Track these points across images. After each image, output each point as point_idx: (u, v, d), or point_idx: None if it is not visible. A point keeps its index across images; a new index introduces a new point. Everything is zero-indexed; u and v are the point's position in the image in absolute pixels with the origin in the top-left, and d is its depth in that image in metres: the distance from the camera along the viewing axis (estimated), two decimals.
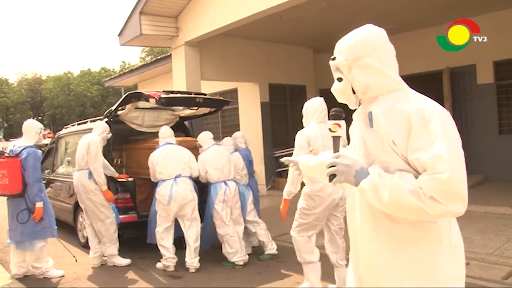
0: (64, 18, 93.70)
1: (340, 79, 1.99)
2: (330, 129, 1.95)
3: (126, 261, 5.91)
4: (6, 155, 5.32)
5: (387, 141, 1.79)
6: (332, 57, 2.00)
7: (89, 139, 5.81)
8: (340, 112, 1.99)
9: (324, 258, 4.47)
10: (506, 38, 9.07)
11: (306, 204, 4.27)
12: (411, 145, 1.72)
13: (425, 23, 10.33)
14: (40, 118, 38.83)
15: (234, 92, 12.56)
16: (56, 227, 5.61)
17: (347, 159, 1.83)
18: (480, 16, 9.11)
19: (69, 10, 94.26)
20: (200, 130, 6.95)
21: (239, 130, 12.23)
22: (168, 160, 5.66)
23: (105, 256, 5.95)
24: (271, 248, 5.93)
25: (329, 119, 1.99)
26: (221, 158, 5.84)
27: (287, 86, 12.55)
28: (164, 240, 5.64)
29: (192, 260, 5.53)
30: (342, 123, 1.97)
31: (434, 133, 1.68)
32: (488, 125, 9.89)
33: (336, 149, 1.92)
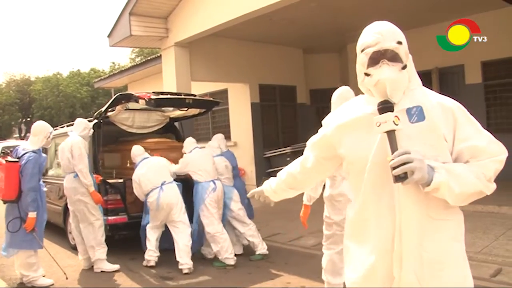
0: (53, 19, 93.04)
1: (405, 67, 1.81)
2: (380, 123, 1.71)
3: (115, 267, 5.72)
4: (8, 158, 5.02)
5: (439, 134, 1.75)
6: (398, 40, 1.83)
7: (71, 141, 5.64)
8: (391, 103, 1.77)
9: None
10: (493, 38, 9.14)
11: (327, 211, 3.94)
12: (459, 135, 1.78)
13: (413, 23, 10.39)
14: (29, 119, 38.42)
15: (224, 92, 12.55)
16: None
17: (417, 154, 1.67)
18: (468, 17, 9.17)
19: (58, 10, 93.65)
20: (190, 131, 6.96)
21: (229, 130, 12.26)
22: (150, 172, 5.80)
23: (92, 262, 5.75)
24: (262, 248, 5.93)
25: (380, 113, 1.74)
26: (205, 160, 5.96)
27: (277, 86, 12.57)
28: (151, 233, 5.80)
29: (185, 260, 5.50)
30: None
31: (475, 122, 1.81)
32: None
33: (395, 145, 1.70)
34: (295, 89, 12.95)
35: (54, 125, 5.65)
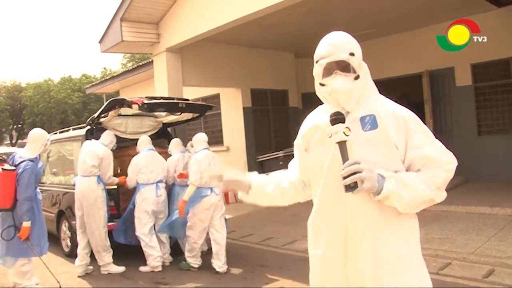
0: (43, 24, 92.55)
1: (357, 77, 1.85)
2: (331, 134, 1.75)
3: (121, 269, 5.90)
4: (5, 166, 4.93)
5: (390, 142, 1.80)
6: (350, 51, 1.85)
7: (103, 151, 5.90)
8: (343, 114, 1.82)
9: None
10: (483, 41, 9.25)
11: None
12: (411, 144, 1.82)
13: (403, 27, 10.48)
14: (20, 126, 38.19)
15: (216, 97, 12.56)
16: (46, 243, 5.19)
17: (367, 164, 1.72)
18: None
19: (49, 16, 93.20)
20: (183, 136, 6.97)
21: (222, 135, 12.28)
22: (152, 165, 6.03)
23: (100, 265, 5.86)
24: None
25: (331, 124, 1.78)
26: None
27: (269, 90, 12.59)
28: (152, 241, 5.92)
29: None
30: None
31: (428, 131, 1.85)
32: (467, 127, 10.04)
33: (346, 155, 1.74)
34: (287, 93, 12.98)
35: (45, 131, 5.61)
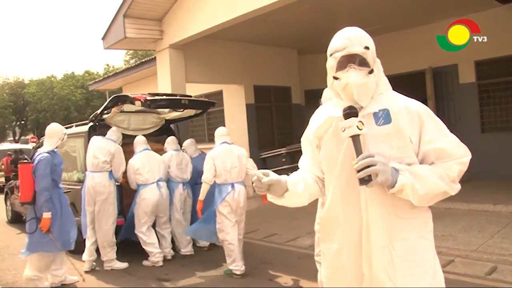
0: (46, 21, 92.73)
1: (371, 71, 1.86)
2: (345, 128, 1.77)
3: (124, 265, 5.93)
4: (24, 161, 5.03)
5: (404, 136, 1.80)
6: (365, 45, 1.85)
7: (114, 148, 5.97)
8: (355, 108, 1.82)
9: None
10: (487, 38, 9.21)
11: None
12: (425, 137, 1.83)
13: (407, 24, 10.46)
14: (23, 122, 38.27)
15: (219, 94, 12.55)
16: (72, 239, 5.17)
17: (382, 157, 1.74)
18: (461, 17, 9.23)
19: (52, 13, 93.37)
20: (186, 133, 6.97)
21: None
22: (149, 165, 6.03)
23: (104, 261, 5.88)
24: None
25: (344, 118, 1.79)
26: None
27: (272, 87, 12.58)
28: (150, 238, 5.97)
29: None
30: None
31: (442, 124, 1.87)
32: (470, 124, 10.02)
33: (359, 149, 1.75)
34: (290, 90, 12.96)
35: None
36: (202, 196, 5.35)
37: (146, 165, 6.01)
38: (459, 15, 9.24)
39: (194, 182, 6.45)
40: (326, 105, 2.10)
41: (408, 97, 1.94)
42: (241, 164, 5.42)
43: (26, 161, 5.03)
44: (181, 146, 6.80)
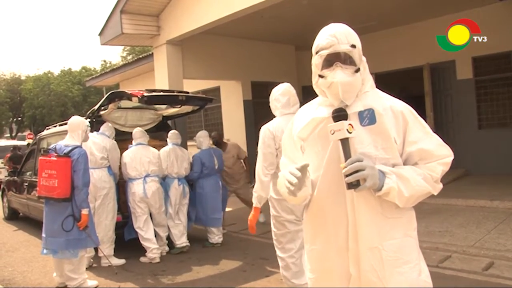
0: (43, 17, 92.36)
1: (358, 70, 1.84)
2: (334, 131, 1.73)
3: (121, 261, 5.92)
4: (56, 154, 4.76)
5: (389, 137, 1.80)
6: (352, 43, 1.83)
7: (109, 143, 5.98)
8: (345, 111, 1.81)
9: None
10: (484, 34, 9.22)
11: (274, 211, 4.11)
12: (409, 138, 1.83)
13: (404, 20, 10.44)
14: (20, 119, 38.16)
15: (216, 90, 12.54)
16: (97, 236, 5.19)
17: (369, 161, 1.73)
18: (458, 13, 9.25)
19: (48, 8, 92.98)
20: (183, 129, 6.96)
21: (222, 128, 12.27)
22: (138, 160, 6.04)
23: (101, 257, 5.83)
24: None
25: (334, 121, 1.77)
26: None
27: (270, 83, 12.44)
28: (147, 233, 5.99)
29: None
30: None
31: (425, 125, 1.86)
32: (468, 120, 10.03)
33: (348, 152, 1.73)
34: None
35: (45, 124, 5.60)
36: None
37: (135, 160, 6.02)
38: (456, 11, 9.25)
39: (198, 176, 6.57)
40: (310, 104, 2.06)
41: (393, 96, 1.94)
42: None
43: (58, 155, 4.72)
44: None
